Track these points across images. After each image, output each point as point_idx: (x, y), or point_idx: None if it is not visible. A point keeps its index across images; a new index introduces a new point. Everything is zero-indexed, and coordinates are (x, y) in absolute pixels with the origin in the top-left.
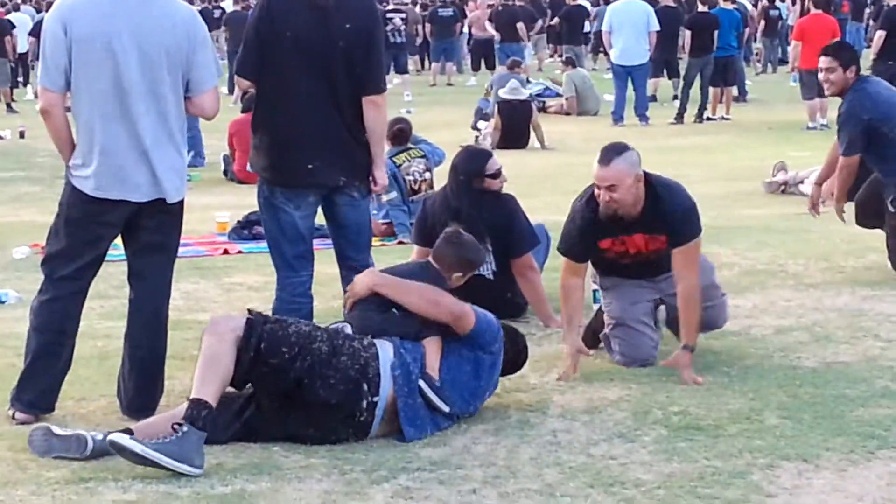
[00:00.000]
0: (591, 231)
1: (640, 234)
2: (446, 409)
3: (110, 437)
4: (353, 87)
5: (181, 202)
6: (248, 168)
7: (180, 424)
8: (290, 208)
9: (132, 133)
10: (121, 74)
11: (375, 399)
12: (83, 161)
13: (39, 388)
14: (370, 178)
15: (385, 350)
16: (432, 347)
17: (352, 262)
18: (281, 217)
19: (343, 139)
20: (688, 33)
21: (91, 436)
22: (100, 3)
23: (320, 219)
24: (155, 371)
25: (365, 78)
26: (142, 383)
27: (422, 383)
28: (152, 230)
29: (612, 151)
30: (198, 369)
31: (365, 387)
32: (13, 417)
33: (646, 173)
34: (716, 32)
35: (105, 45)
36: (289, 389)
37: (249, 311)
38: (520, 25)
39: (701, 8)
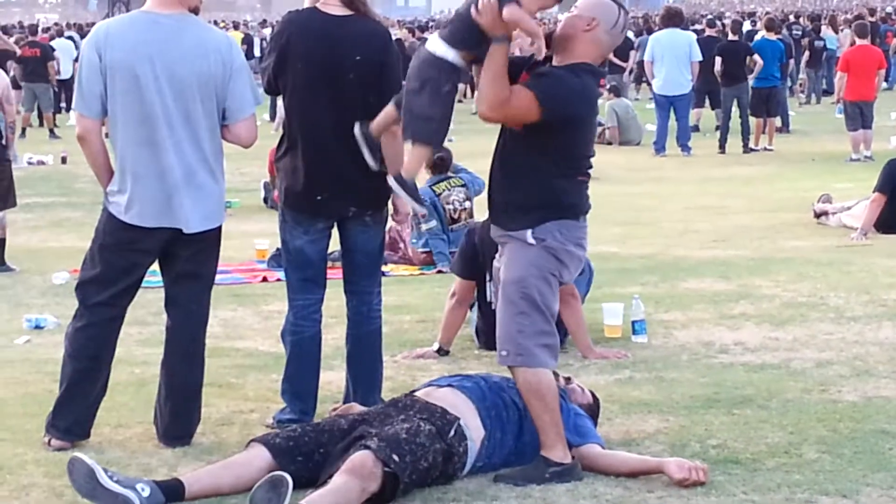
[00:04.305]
0: None
1: None
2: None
3: None
4: (367, 118)
5: (218, 230)
6: None
7: None
8: (299, 233)
9: (166, 160)
10: (153, 101)
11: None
12: (119, 188)
13: (75, 415)
14: (387, 206)
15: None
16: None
17: (354, 287)
18: (288, 241)
19: (353, 171)
20: (718, 60)
21: (140, 499)
22: (134, 29)
23: None
24: (191, 399)
25: (379, 109)
26: (178, 411)
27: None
28: (188, 258)
29: None
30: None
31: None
32: (49, 444)
33: None
34: (749, 60)
35: (137, 72)
36: None
37: (388, 468)
38: None
39: (731, 37)
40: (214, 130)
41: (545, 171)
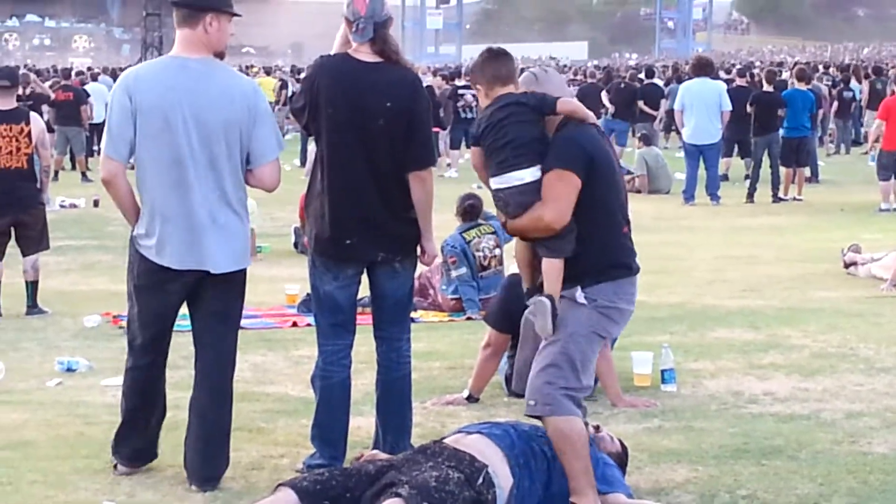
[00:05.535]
0: None
1: None
2: None
3: None
4: (396, 165)
5: (244, 271)
6: None
7: None
8: (329, 279)
9: (192, 203)
10: (180, 146)
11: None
12: (146, 231)
13: (134, 445)
14: (416, 251)
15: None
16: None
17: (384, 332)
18: (318, 286)
19: (383, 216)
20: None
21: None
22: (163, 75)
23: None
24: (220, 442)
25: (408, 155)
26: (207, 454)
27: None
28: (214, 298)
29: None
30: None
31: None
32: (115, 468)
33: None
34: (781, 111)
35: (165, 117)
36: None
37: None
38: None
39: (766, 87)
40: (238, 174)
41: (592, 228)
